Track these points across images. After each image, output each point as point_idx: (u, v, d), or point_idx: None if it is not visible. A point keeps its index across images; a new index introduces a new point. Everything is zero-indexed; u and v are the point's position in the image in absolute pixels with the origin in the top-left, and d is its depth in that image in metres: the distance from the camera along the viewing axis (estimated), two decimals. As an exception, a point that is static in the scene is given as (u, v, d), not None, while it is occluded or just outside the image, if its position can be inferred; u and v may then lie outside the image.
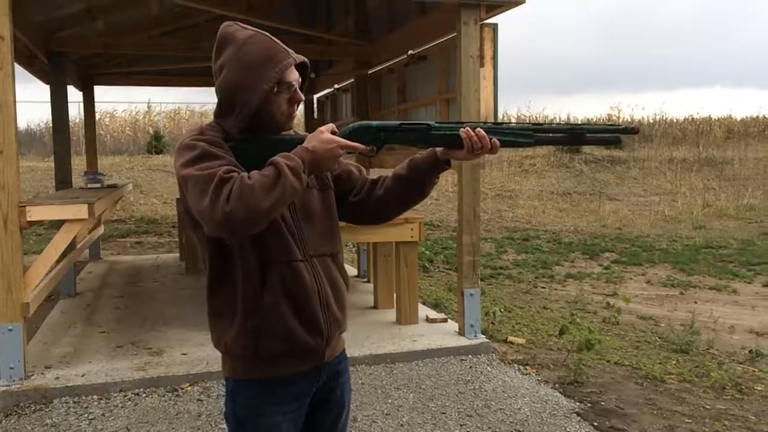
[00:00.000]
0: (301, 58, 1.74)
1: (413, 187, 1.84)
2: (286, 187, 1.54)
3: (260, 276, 1.68)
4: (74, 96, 9.12)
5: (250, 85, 1.65)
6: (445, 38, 5.39)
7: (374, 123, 1.77)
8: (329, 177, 1.86)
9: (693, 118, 24.59)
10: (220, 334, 1.75)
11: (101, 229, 8.78)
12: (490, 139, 1.72)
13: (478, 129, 1.72)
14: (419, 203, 1.92)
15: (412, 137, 1.78)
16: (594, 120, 23.57)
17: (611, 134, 1.82)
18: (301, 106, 10.57)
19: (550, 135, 1.81)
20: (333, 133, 1.68)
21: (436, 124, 1.76)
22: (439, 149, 1.79)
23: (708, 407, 4.03)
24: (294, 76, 1.72)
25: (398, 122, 1.78)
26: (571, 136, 1.79)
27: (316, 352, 1.76)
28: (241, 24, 1.74)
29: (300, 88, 1.75)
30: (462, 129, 1.72)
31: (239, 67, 1.66)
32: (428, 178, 1.82)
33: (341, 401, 1.88)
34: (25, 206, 4.13)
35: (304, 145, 1.64)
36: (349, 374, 1.92)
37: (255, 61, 1.66)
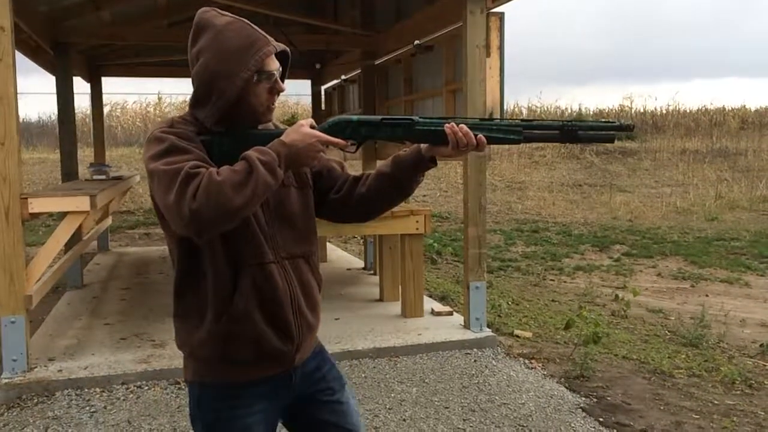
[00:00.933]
0: (281, 46, 1.66)
1: (396, 185, 1.76)
2: (258, 184, 1.47)
3: (231, 278, 1.62)
4: (85, 87, 9.14)
5: (228, 72, 1.57)
6: (452, 28, 5.32)
7: (354, 117, 1.69)
8: (308, 174, 1.78)
9: (707, 109, 24.29)
10: (185, 336, 1.69)
11: (109, 221, 8.79)
12: (476, 136, 1.64)
13: (463, 125, 1.64)
14: (403, 201, 1.84)
15: (395, 133, 1.70)
16: (607, 112, 23.36)
17: (605, 132, 1.71)
18: (309, 98, 10.55)
19: (541, 132, 1.72)
20: (312, 126, 1.61)
21: (420, 120, 1.68)
22: (423, 146, 1.71)
23: (717, 402, 3.96)
24: (274, 65, 1.64)
25: (380, 117, 1.71)
26: (563, 134, 1.69)
27: (285, 357, 1.69)
28: (218, 10, 1.66)
29: (281, 79, 1.67)
30: (447, 125, 1.64)
31: (217, 54, 1.59)
32: (412, 176, 1.74)
33: (329, 390, 1.81)
34: (27, 198, 4.11)
35: (281, 138, 1.56)
36: (330, 363, 1.85)
37: (233, 47, 1.58)
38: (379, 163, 1.82)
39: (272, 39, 1.64)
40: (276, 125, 1.76)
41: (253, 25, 1.64)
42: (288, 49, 1.69)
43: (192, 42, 1.65)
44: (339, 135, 1.65)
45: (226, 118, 1.63)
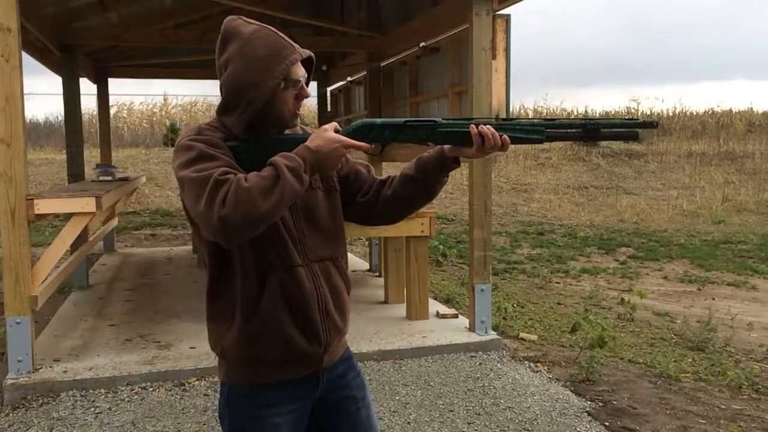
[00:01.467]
0: (307, 52, 1.68)
1: (421, 187, 1.77)
2: (285, 189, 1.49)
3: (259, 281, 1.64)
4: (92, 88, 9.17)
5: (257, 80, 1.60)
6: (458, 30, 5.31)
7: (378, 120, 1.70)
8: (335, 178, 1.79)
9: (713, 111, 24.22)
10: (217, 338, 1.72)
11: (115, 222, 8.81)
12: (500, 136, 1.64)
13: (488, 126, 1.64)
14: (429, 202, 1.85)
15: (418, 135, 1.70)
16: (613, 113, 23.30)
17: (628, 129, 1.69)
18: (314, 100, 10.55)
19: (563, 131, 1.71)
20: (336, 131, 1.62)
21: (444, 121, 1.68)
22: (446, 147, 1.71)
23: (723, 407, 3.94)
24: (301, 72, 1.66)
25: (404, 119, 1.71)
26: (586, 132, 1.68)
27: (313, 359, 1.72)
28: (245, 18, 1.68)
29: (306, 84, 1.70)
30: (471, 126, 1.64)
31: (245, 63, 1.61)
32: (436, 178, 1.75)
33: (352, 399, 1.83)
34: (32, 199, 4.12)
35: (306, 144, 1.58)
36: (356, 370, 1.88)
37: (261, 56, 1.60)
38: (404, 166, 1.82)
39: (298, 46, 1.66)
40: (303, 129, 1.77)
41: (279, 32, 1.66)
42: (312, 55, 1.71)
43: (220, 50, 1.67)
44: (363, 138, 1.66)
45: (254, 124, 1.66)
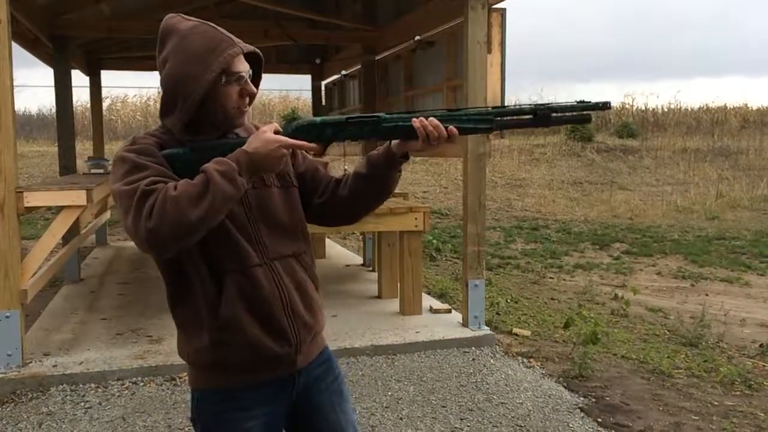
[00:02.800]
0: (250, 48, 1.63)
1: (375, 185, 1.73)
2: (217, 195, 1.44)
3: (216, 285, 1.59)
4: (85, 81, 9.10)
5: (193, 75, 1.55)
6: (453, 23, 5.28)
7: (318, 119, 1.65)
8: (292, 174, 1.75)
9: (708, 108, 24.28)
10: (184, 345, 1.68)
11: (107, 215, 8.77)
12: (446, 128, 1.60)
13: (431, 118, 1.60)
14: (386, 199, 1.80)
15: (362, 131, 1.66)
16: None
17: (580, 112, 1.63)
18: (309, 93, 10.50)
19: (514, 118, 1.65)
20: (277, 132, 1.58)
21: (386, 116, 1.64)
22: (394, 142, 1.67)
23: (716, 403, 3.93)
24: (243, 66, 1.60)
25: (345, 117, 1.67)
26: (536, 118, 1.62)
27: (285, 360, 1.66)
28: (183, 15, 1.65)
29: (255, 81, 1.65)
30: (414, 119, 1.60)
31: (182, 59, 1.56)
32: (388, 174, 1.71)
33: (329, 405, 1.78)
34: (22, 192, 4.08)
35: (243, 147, 1.53)
36: (335, 374, 1.82)
37: (198, 50, 1.56)
38: (356, 164, 1.78)
39: (240, 41, 1.61)
40: (257, 126, 1.71)
41: (219, 27, 1.62)
42: (258, 51, 1.66)
43: (159, 49, 1.63)
44: (304, 137, 1.61)
45: (196, 123, 1.61)
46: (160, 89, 1.63)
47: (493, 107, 1.66)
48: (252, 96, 1.64)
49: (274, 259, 1.65)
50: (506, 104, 1.63)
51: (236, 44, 1.59)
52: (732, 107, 24.40)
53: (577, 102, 1.63)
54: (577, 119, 1.65)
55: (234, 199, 1.49)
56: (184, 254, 1.57)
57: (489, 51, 4.75)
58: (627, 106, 23.78)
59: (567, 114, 1.64)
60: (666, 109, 24.12)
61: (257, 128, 1.68)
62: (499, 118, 1.63)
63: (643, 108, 24.01)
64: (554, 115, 1.62)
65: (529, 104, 1.65)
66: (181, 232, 1.43)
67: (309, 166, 1.80)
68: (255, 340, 1.61)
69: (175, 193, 1.43)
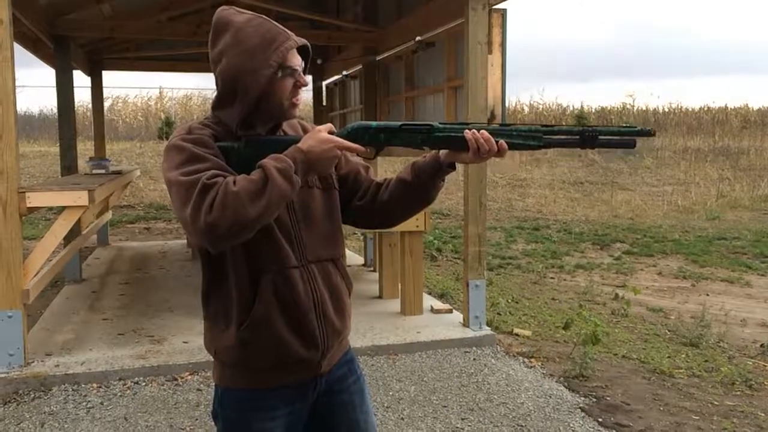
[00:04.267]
0: (302, 41, 1.64)
1: (417, 192, 1.73)
2: (274, 192, 1.45)
3: (252, 284, 1.60)
4: (88, 81, 9.11)
5: (251, 69, 1.55)
6: (454, 24, 5.28)
7: (374, 123, 1.67)
8: (334, 176, 1.75)
9: (709, 108, 24.27)
10: (211, 339, 1.69)
11: (109, 215, 8.77)
12: (497, 142, 1.62)
13: (483, 131, 1.61)
14: (426, 206, 1.81)
15: (413, 139, 1.67)
16: (609, 109, 23.31)
17: (625, 137, 1.67)
18: (309, 94, 10.53)
19: (561, 137, 1.68)
20: (331, 132, 1.58)
21: (440, 125, 1.65)
22: (442, 152, 1.68)
23: (717, 403, 3.94)
24: (297, 60, 1.62)
25: (399, 123, 1.67)
26: (583, 140, 1.66)
27: (311, 364, 1.67)
28: (237, 8, 1.64)
29: (303, 72, 1.66)
30: (467, 131, 1.61)
31: (239, 52, 1.57)
32: (432, 183, 1.71)
33: (350, 404, 1.78)
34: (24, 192, 4.09)
35: (298, 145, 1.54)
36: (357, 374, 1.82)
37: (255, 44, 1.56)
38: (400, 170, 1.79)
39: (293, 34, 1.62)
40: (302, 124, 1.75)
41: (272, 21, 1.62)
42: (308, 43, 1.67)
43: (212, 42, 1.63)
44: (358, 141, 1.63)
45: (252, 116, 1.62)
46: (217, 81, 1.62)
47: (543, 125, 1.69)
48: (304, 87, 1.66)
49: (311, 261, 1.66)
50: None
51: (290, 38, 1.60)
52: (733, 107, 24.41)
53: (624, 126, 1.67)
54: (622, 144, 1.68)
55: (289, 197, 1.50)
56: (227, 250, 1.57)
57: (490, 51, 4.75)
58: (628, 106, 23.79)
59: (613, 138, 1.67)
60: (667, 109, 24.13)
61: (301, 126, 1.71)
62: (547, 137, 1.66)
63: (644, 108, 24.02)
64: (600, 137, 1.66)
65: (577, 126, 1.69)
66: (240, 228, 1.43)
67: (352, 168, 1.80)
68: (283, 342, 1.61)
69: (235, 189, 1.42)
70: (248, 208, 1.42)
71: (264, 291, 1.59)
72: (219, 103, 1.63)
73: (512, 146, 1.65)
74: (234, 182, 1.44)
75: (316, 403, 1.74)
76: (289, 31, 1.62)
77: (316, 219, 1.68)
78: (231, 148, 1.58)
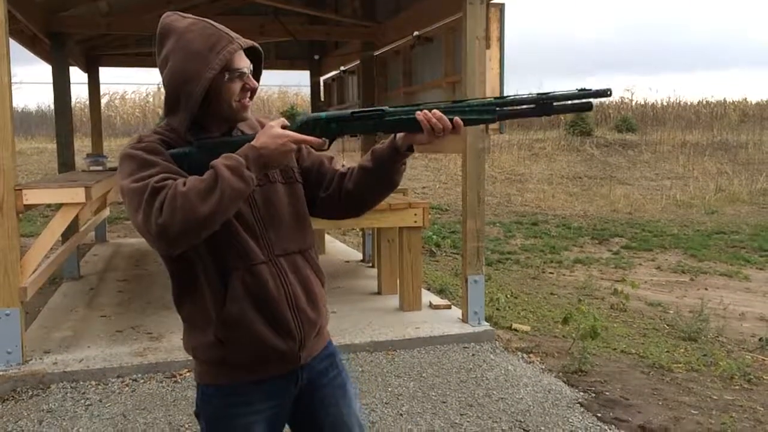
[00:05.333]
0: (249, 42, 1.64)
1: (380, 178, 1.74)
2: (225, 190, 1.45)
3: (221, 284, 1.61)
4: (85, 77, 9.08)
5: (195, 74, 1.56)
6: (452, 19, 5.27)
7: (323, 114, 1.67)
8: (296, 170, 1.77)
9: (707, 102, 24.29)
10: (188, 340, 1.71)
11: (107, 212, 8.76)
12: (451, 119, 1.61)
13: (435, 110, 1.61)
14: (391, 192, 1.82)
15: (366, 125, 1.67)
16: (606, 103, 23.29)
17: (581, 100, 1.64)
18: (308, 89, 10.48)
19: (516, 108, 1.66)
20: (284, 127, 1.59)
21: (390, 110, 1.65)
22: (399, 135, 1.68)
23: (715, 398, 3.94)
24: (244, 62, 1.62)
25: (350, 111, 1.68)
26: (538, 107, 1.63)
27: (289, 356, 1.68)
28: (181, 13, 1.66)
29: (255, 76, 1.66)
30: (418, 112, 1.61)
31: (181, 57, 1.58)
32: (393, 168, 1.72)
33: (332, 398, 1.80)
34: (21, 190, 4.07)
35: (252, 142, 1.55)
36: (338, 369, 1.83)
37: (197, 48, 1.57)
38: (361, 157, 1.78)
39: (239, 36, 1.62)
40: (261, 122, 1.74)
41: (216, 24, 1.63)
42: (257, 46, 1.67)
43: (158, 49, 1.64)
44: (310, 132, 1.62)
45: (200, 120, 1.63)
46: (162, 88, 1.65)
47: (496, 97, 1.67)
48: (254, 91, 1.65)
49: (279, 255, 1.67)
50: (508, 95, 1.64)
51: (235, 40, 1.60)
52: (731, 101, 24.43)
53: (578, 90, 1.64)
54: (579, 107, 1.66)
55: (243, 193, 1.50)
56: (191, 251, 1.58)
57: (488, 46, 4.74)
58: (626, 100, 23.79)
59: (569, 102, 1.64)
60: (665, 104, 24.13)
61: (260, 123, 1.71)
62: (501, 108, 1.64)
63: (643, 102, 24.02)
64: (556, 104, 1.63)
65: (531, 94, 1.66)
66: (192, 228, 1.44)
67: (314, 161, 1.80)
68: (259, 337, 1.63)
69: (184, 189, 1.44)
70: (198, 207, 1.43)
71: (234, 289, 1.60)
72: (167, 109, 1.64)
73: (467, 122, 1.64)
74: (184, 183, 1.46)
75: (299, 397, 1.75)
76: (234, 34, 1.62)
77: (281, 213, 1.69)
78: (183, 153, 1.59)
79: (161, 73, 1.63)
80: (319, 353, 1.78)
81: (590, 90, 1.63)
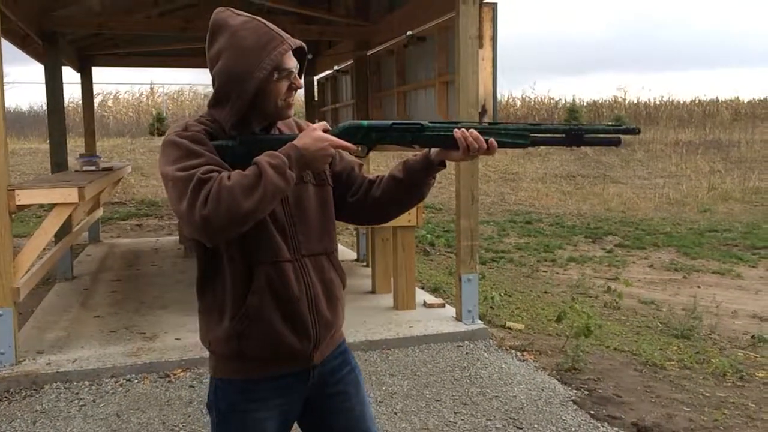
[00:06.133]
0: (297, 42, 1.66)
1: (409, 189, 1.77)
2: (268, 187, 1.48)
3: (246, 276, 1.63)
4: (77, 77, 9.06)
5: (247, 71, 1.59)
6: (445, 18, 5.27)
7: (365, 123, 1.71)
8: (327, 173, 1.79)
9: (700, 100, 24.35)
10: (206, 332, 1.73)
11: (100, 212, 8.74)
12: (486, 140, 1.66)
13: (472, 130, 1.65)
14: (418, 203, 1.86)
15: (404, 137, 1.72)
16: (600, 102, 23.38)
17: (610, 135, 1.74)
18: (300, 89, 10.48)
19: (548, 135, 1.75)
20: (325, 131, 1.62)
21: (429, 125, 1.70)
22: (433, 150, 1.72)
23: (708, 395, 3.96)
24: (292, 62, 1.65)
25: (390, 122, 1.71)
26: (569, 137, 1.72)
27: (303, 355, 1.70)
28: (233, 10, 1.67)
29: (299, 74, 1.69)
30: (456, 129, 1.66)
31: (234, 54, 1.60)
32: (424, 181, 1.76)
33: (345, 395, 1.81)
34: (14, 190, 4.07)
35: (294, 142, 1.58)
36: (350, 365, 1.85)
37: (250, 46, 1.60)
38: (392, 167, 1.82)
39: (288, 36, 1.65)
40: (297, 122, 1.79)
41: (269, 23, 1.65)
42: (304, 45, 1.70)
43: (209, 43, 1.66)
44: (350, 139, 1.66)
45: (246, 117, 1.65)
46: (213, 81, 1.65)
47: (531, 124, 1.74)
48: (298, 89, 1.69)
49: (305, 255, 1.70)
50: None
51: (285, 41, 1.63)
52: (723, 100, 24.51)
53: (609, 125, 1.74)
54: (608, 141, 1.74)
55: (283, 192, 1.54)
56: (222, 243, 1.61)
57: (480, 46, 4.75)
58: (619, 99, 23.85)
59: (598, 136, 1.74)
60: (658, 102, 24.20)
61: (297, 124, 1.75)
62: (534, 135, 1.72)
63: (636, 101, 24.08)
64: (586, 136, 1.72)
65: (564, 124, 1.74)
66: (234, 222, 1.47)
67: (345, 166, 1.83)
68: (276, 333, 1.65)
69: (229, 183, 1.47)
70: (242, 202, 1.46)
71: (257, 283, 1.63)
72: (215, 102, 1.67)
73: (501, 144, 1.69)
74: (228, 177, 1.48)
75: (311, 394, 1.76)
76: (285, 34, 1.65)
77: (310, 214, 1.72)
78: (226, 146, 1.62)
79: (211, 66, 1.65)
80: (331, 352, 1.80)
81: (620, 125, 1.74)
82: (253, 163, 1.52)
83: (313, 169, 1.65)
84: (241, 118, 1.64)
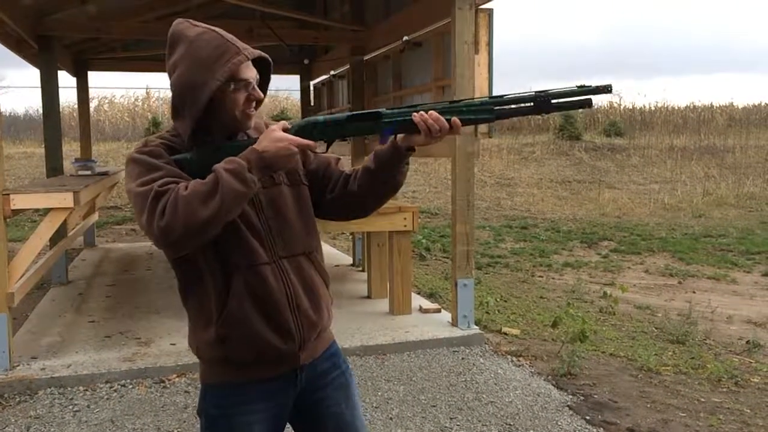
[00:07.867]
0: (257, 53, 1.65)
1: (383, 179, 1.76)
2: (226, 193, 1.49)
3: (225, 282, 1.64)
4: (72, 81, 9.04)
5: (200, 82, 1.59)
6: (441, 24, 5.29)
7: (321, 118, 1.69)
8: (301, 172, 1.79)
9: (694, 106, 24.47)
10: (192, 337, 1.74)
11: (95, 216, 8.72)
12: (448, 120, 1.62)
13: (431, 111, 1.62)
14: (396, 192, 1.84)
15: (363, 128, 1.69)
16: (595, 108, 23.43)
17: (580, 97, 1.60)
18: (298, 94, 10.49)
19: (514, 107, 1.64)
20: (285, 130, 1.62)
21: (387, 111, 1.66)
22: (399, 137, 1.70)
23: (703, 400, 3.97)
24: (250, 73, 1.64)
25: (346, 114, 1.69)
26: (536, 105, 1.61)
27: (289, 357, 1.71)
28: (192, 21, 1.68)
29: (262, 86, 1.69)
30: (414, 114, 1.62)
31: (189, 65, 1.61)
32: (396, 169, 1.74)
33: (334, 399, 1.80)
34: (9, 194, 4.05)
35: (254, 146, 1.58)
36: (341, 369, 1.84)
37: (204, 57, 1.60)
38: (366, 159, 1.81)
39: (247, 47, 1.64)
40: (269, 126, 1.74)
41: (226, 34, 1.65)
42: (266, 56, 1.69)
43: (168, 55, 1.68)
44: (307, 137, 1.63)
45: (205, 127, 1.65)
46: (169, 93, 1.68)
47: (492, 96, 1.67)
48: (259, 101, 1.68)
49: (283, 257, 1.69)
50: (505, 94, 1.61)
51: (242, 51, 1.62)
52: (718, 105, 24.61)
53: (578, 86, 1.61)
54: (579, 104, 1.62)
55: (245, 196, 1.54)
56: (197, 250, 1.61)
57: (476, 51, 4.76)
58: (615, 105, 23.92)
59: (567, 99, 1.62)
60: (653, 108, 24.29)
61: (267, 126, 1.71)
62: (499, 108, 1.63)
63: (631, 107, 24.17)
64: (554, 101, 1.61)
65: (529, 92, 1.63)
66: (193, 231, 1.48)
67: (321, 163, 1.83)
68: (259, 336, 1.65)
69: (185, 193, 1.48)
70: (199, 210, 1.47)
71: (236, 288, 1.64)
72: (173, 113, 1.68)
73: (465, 122, 1.64)
74: (186, 187, 1.50)
75: (301, 398, 1.76)
76: (242, 45, 1.65)
77: (286, 215, 1.72)
78: (184, 159, 1.62)
79: (170, 78, 1.66)
80: (321, 354, 1.80)
81: (590, 86, 1.60)
82: (211, 171, 1.53)
83: (279, 170, 1.64)
84: (199, 129, 1.64)
